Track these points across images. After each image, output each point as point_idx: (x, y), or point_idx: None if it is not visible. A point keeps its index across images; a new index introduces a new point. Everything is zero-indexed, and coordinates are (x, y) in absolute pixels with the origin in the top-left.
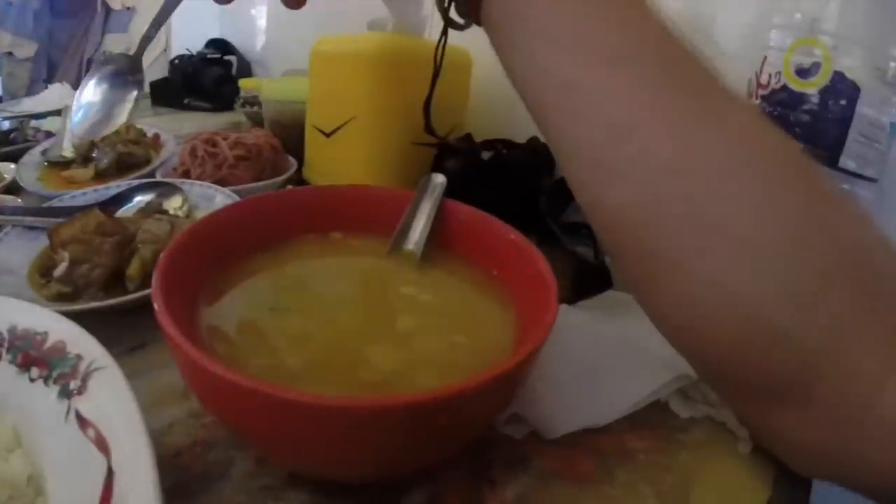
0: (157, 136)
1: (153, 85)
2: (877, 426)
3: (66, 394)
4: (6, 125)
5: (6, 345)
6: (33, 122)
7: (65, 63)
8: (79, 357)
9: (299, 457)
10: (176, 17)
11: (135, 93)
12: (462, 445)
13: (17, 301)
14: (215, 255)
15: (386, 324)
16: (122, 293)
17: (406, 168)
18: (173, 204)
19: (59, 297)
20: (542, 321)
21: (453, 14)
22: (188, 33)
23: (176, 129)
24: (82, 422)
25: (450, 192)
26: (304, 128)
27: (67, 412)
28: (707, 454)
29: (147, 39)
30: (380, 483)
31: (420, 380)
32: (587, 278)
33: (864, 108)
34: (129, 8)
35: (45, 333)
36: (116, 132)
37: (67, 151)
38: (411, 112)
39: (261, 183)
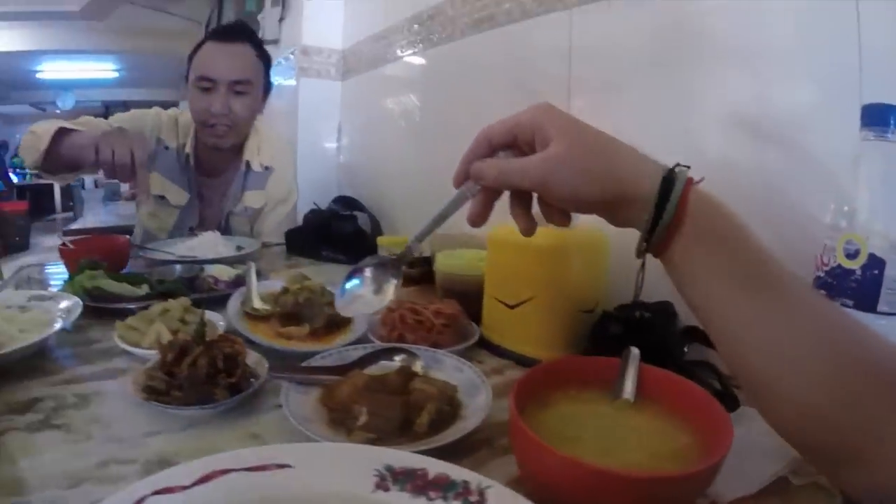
0: None
1: (288, 235)
2: None
3: None
4: (178, 269)
5: (390, 479)
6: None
7: (207, 214)
8: (466, 482)
9: None
10: (302, 176)
11: (395, 282)
12: None
13: (380, 448)
14: (534, 388)
15: (628, 439)
16: (412, 437)
17: (575, 330)
18: (418, 366)
19: (367, 443)
20: (724, 441)
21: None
22: (310, 189)
23: (326, 282)
24: None
25: (615, 347)
26: (471, 294)
27: None
28: None
29: (422, 237)
30: None
31: (662, 467)
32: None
33: (889, 272)
34: (266, 168)
35: (425, 469)
36: (321, 294)
37: (258, 304)
38: (580, 287)
39: (462, 346)
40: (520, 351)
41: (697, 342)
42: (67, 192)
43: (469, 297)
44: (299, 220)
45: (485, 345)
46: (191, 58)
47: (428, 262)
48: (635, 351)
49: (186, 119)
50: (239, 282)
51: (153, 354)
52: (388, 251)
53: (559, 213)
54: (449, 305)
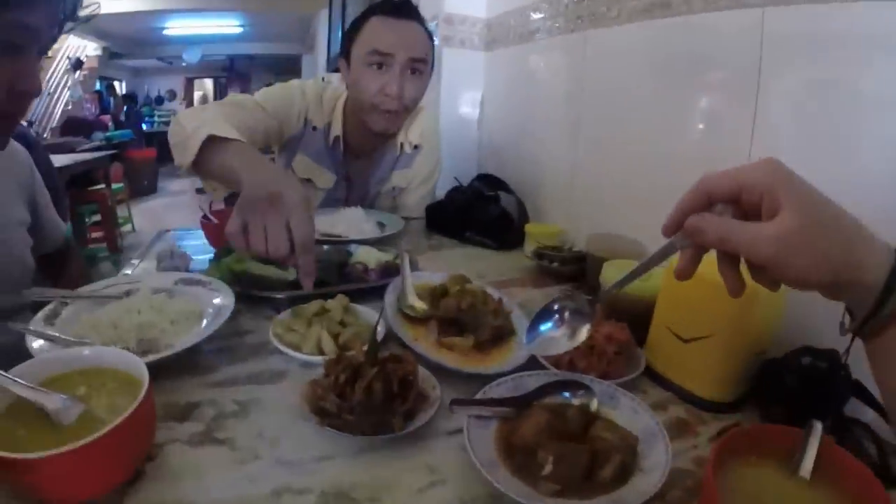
0: (500, 301)
1: (429, 210)
2: None
3: None
4: (325, 251)
5: None
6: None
7: (354, 196)
8: None
9: None
10: (443, 151)
11: (588, 326)
12: None
13: None
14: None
15: None
16: (594, 487)
17: (746, 372)
18: (594, 404)
19: (552, 494)
20: None
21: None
22: (451, 163)
23: (472, 269)
24: None
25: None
26: (638, 316)
27: None
28: None
29: (621, 286)
30: None
31: None
32: None
33: None
34: (416, 147)
35: None
36: (483, 301)
37: (416, 303)
38: (757, 330)
39: (630, 376)
40: (687, 387)
41: (862, 401)
42: None
43: (635, 318)
44: (439, 195)
45: (649, 372)
46: (351, 33)
47: (580, 259)
48: (818, 426)
49: (330, 96)
50: (389, 270)
51: (314, 359)
52: (538, 241)
53: (771, 282)
54: (620, 330)
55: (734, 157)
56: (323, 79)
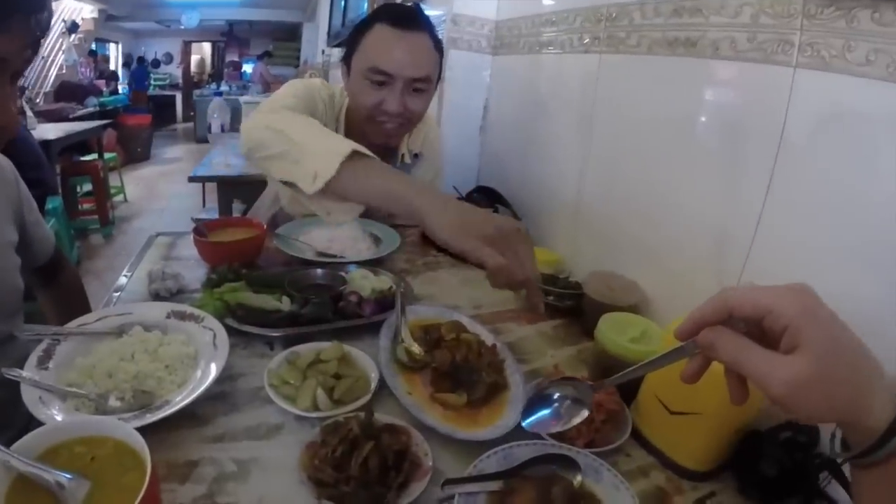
0: (494, 349)
1: None
2: None
3: None
4: (319, 275)
5: None
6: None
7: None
8: None
9: None
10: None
11: (585, 413)
12: None
13: None
14: None
15: None
16: None
17: (730, 447)
18: (577, 480)
19: None
20: None
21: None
22: (451, 171)
23: (468, 298)
24: None
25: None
26: (627, 382)
27: None
28: None
29: (622, 380)
30: None
31: None
32: None
33: None
34: (416, 155)
35: None
36: (478, 353)
37: (413, 348)
38: (746, 412)
39: (618, 443)
40: (670, 455)
41: (834, 478)
42: (189, 102)
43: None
44: None
45: (635, 433)
46: (355, 38)
47: (577, 295)
48: None
49: (337, 101)
50: (383, 303)
51: (310, 415)
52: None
53: (741, 395)
54: (610, 398)
55: (744, 220)
56: (323, 52)
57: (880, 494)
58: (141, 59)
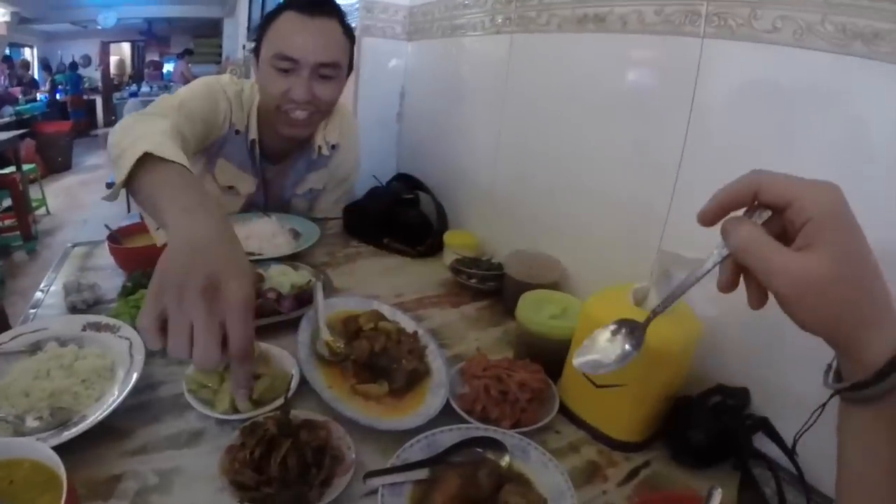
0: (415, 336)
1: (346, 212)
2: None
3: None
4: None
5: None
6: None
7: (271, 200)
8: None
9: None
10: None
11: (635, 354)
12: None
13: None
14: None
15: None
16: None
17: (659, 414)
18: (505, 461)
19: None
20: None
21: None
22: (369, 160)
23: (389, 285)
24: None
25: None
26: (553, 355)
27: None
28: None
29: (663, 309)
30: None
31: None
32: None
33: None
34: (333, 147)
35: None
36: (397, 341)
37: (331, 342)
38: (671, 379)
39: (544, 421)
40: (600, 428)
41: (767, 436)
42: (109, 106)
43: (550, 357)
44: (356, 194)
45: (563, 409)
46: (263, 27)
47: (498, 276)
48: (717, 494)
49: (248, 96)
50: (302, 298)
51: (229, 418)
52: (456, 252)
53: (759, 297)
54: (534, 376)
55: (660, 191)
56: (244, 47)
57: (869, 437)
58: (74, 65)
